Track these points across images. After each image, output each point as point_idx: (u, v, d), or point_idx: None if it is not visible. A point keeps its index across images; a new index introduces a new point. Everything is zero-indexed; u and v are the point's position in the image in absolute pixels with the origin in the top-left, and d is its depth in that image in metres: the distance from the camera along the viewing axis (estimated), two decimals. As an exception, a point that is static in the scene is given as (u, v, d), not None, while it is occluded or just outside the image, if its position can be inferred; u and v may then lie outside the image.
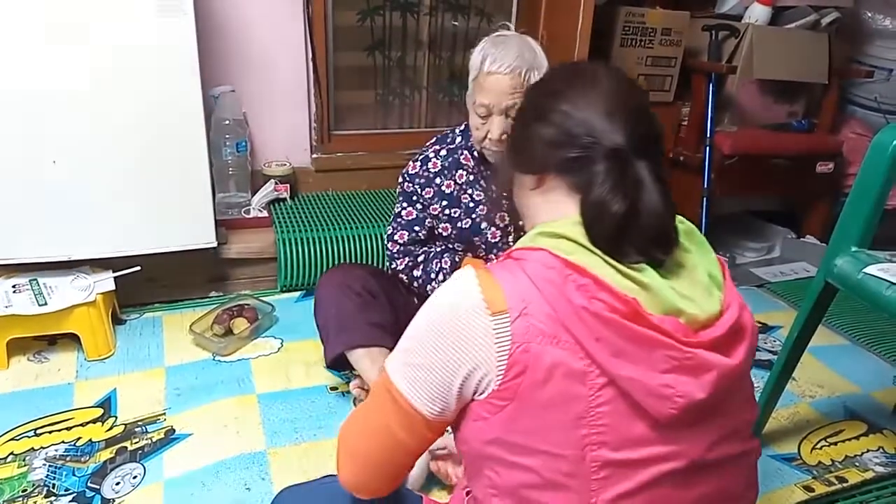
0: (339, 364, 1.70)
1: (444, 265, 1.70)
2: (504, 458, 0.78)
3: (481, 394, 0.77)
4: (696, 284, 0.78)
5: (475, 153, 1.65)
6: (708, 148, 2.41)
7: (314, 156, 2.63)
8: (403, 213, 1.75)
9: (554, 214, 0.83)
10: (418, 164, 1.72)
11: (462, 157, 1.68)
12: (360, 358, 1.60)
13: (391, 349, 1.59)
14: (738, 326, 0.78)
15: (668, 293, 0.74)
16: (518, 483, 0.78)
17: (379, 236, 2.29)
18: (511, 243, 1.68)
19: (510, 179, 0.93)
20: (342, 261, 2.24)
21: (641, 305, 0.72)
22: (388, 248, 1.78)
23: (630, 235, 0.75)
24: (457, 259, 1.71)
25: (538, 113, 0.85)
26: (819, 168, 2.57)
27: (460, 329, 0.76)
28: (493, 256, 1.70)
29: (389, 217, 1.83)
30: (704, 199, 2.43)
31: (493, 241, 1.68)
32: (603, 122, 0.79)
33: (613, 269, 0.74)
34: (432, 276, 1.70)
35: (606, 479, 0.75)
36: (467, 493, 0.93)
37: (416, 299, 1.78)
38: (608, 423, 0.74)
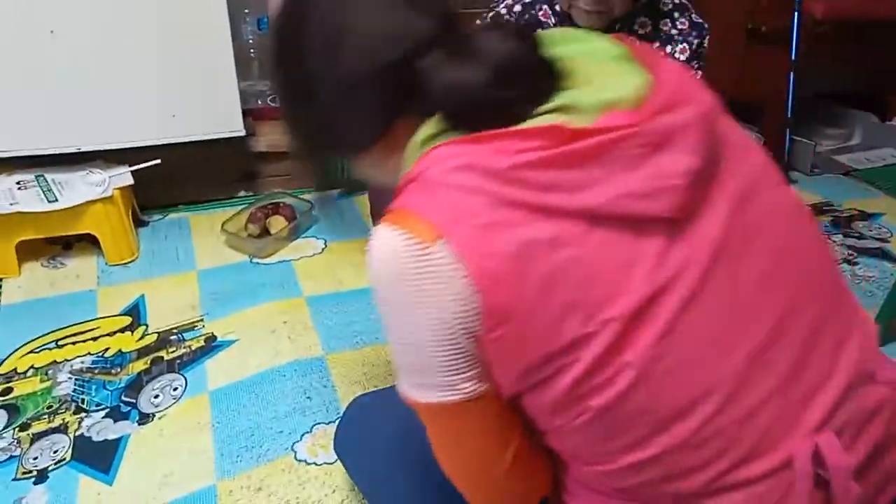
0: None
1: None
2: (541, 378, 0.62)
3: (478, 338, 0.61)
4: (603, 74, 0.65)
5: (557, 7, 1.37)
6: (797, 13, 2.11)
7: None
8: None
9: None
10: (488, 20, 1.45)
11: (541, 14, 1.41)
12: None
13: None
14: (683, 79, 0.64)
15: (588, 97, 0.61)
16: (566, 389, 0.61)
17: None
18: None
19: (353, 169, 0.75)
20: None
21: (566, 124, 0.59)
22: None
23: (506, 95, 0.62)
24: None
25: (321, 58, 0.66)
26: (918, 37, 2.26)
27: (411, 286, 0.60)
28: None
29: None
30: (791, 73, 2.14)
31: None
32: (397, 17, 0.65)
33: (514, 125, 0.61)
34: None
35: (645, 323, 0.59)
36: None
37: None
38: (616, 266, 0.59)
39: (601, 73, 0.64)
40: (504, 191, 0.58)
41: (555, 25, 1.39)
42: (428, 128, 0.64)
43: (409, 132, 0.65)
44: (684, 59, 1.38)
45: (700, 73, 1.43)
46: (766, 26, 2.23)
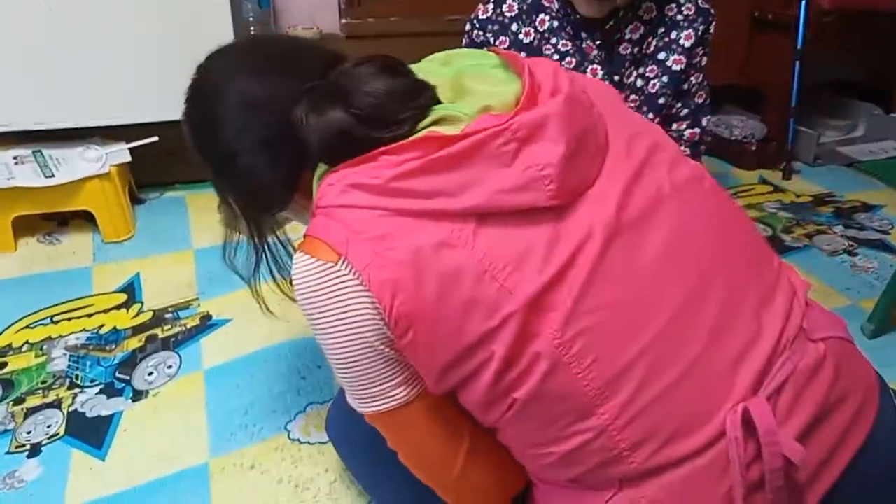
0: None
1: None
2: (464, 375, 0.64)
3: (394, 344, 0.64)
4: (490, 83, 0.68)
5: None
6: (804, 2, 2.08)
7: (344, 20, 2.31)
8: None
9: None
10: (490, 6, 1.42)
11: (544, 0, 1.39)
12: None
13: None
14: (556, 74, 0.67)
15: (465, 107, 0.65)
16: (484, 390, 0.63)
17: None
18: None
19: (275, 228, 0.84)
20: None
21: (439, 131, 0.63)
22: None
23: (381, 124, 0.65)
24: None
25: (222, 134, 0.72)
26: (924, 28, 2.23)
27: (328, 303, 0.63)
28: None
29: None
30: (797, 63, 2.12)
31: None
32: (267, 85, 0.71)
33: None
34: None
35: (546, 313, 0.60)
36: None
37: None
38: (509, 261, 0.60)
39: (485, 83, 0.68)
40: (389, 203, 0.61)
41: (559, 9, 1.37)
42: (321, 167, 0.69)
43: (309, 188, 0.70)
44: (690, 45, 1.37)
45: (706, 59, 1.41)
46: (773, 14, 2.21)
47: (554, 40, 1.39)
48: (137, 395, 1.25)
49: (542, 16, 1.38)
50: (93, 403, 1.23)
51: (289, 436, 1.15)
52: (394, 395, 0.66)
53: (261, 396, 1.23)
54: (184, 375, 1.29)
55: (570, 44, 1.38)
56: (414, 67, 0.72)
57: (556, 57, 1.39)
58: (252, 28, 2.04)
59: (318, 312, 0.63)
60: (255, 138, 0.71)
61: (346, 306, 0.62)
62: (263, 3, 2.02)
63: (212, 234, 1.72)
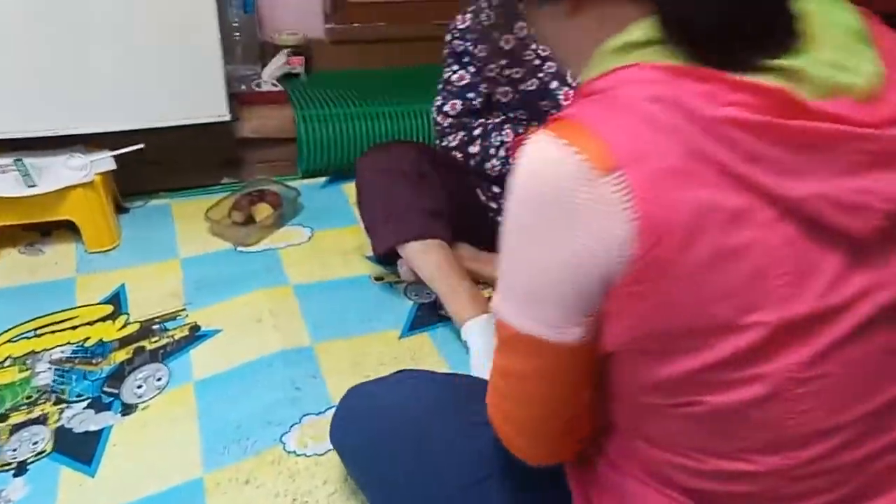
0: (387, 257, 1.48)
1: (504, 137, 1.44)
2: (663, 349, 0.55)
3: (613, 285, 0.54)
4: (840, 48, 0.55)
5: None
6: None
7: (328, 25, 2.29)
8: (454, 77, 1.46)
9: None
10: (468, 16, 1.43)
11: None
12: (415, 253, 1.35)
13: (449, 241, 1.39)
14: None
15: (820, 70, 0.52)
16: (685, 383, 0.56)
17: (414, 113, 1.99)
18: None
19: (530, 12, 0.66)
20: (372, 142, 1.96)
21: (792, 93, 0.50)
22: (436, 122, 1.51)
23: (741, 27, 0.52)
24: (520, 131, 1.44)
25: None
26: None
27: (564, 212, 0.52)
28: None
29: (424, 92, 1.56)
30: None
31: (566, 103, 1.41)
32: None
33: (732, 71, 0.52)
34: (491, 151, 1.44)
35: (797, 342, 0.53)
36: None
37: (471, 176, 1.52)
38: (791, 270, 0.52)
39: (835, 46, 0.55)
40: (703, 142, 0.50)
41: None
42: (631, 34, 0.55)
43: (609, 20, 0.57)
44: None
45: None
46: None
47: (534, 45, 1.40)
48: (127, 409, 1.22)
49: (521, 23, 1.39)
50: (81, 418, 1.20)
51: (284, 448, 1.13)
52: (566, 331, 0.57)
53: (254, 408, 1.20)
54: (174, 388, 1.26)
55: (548, 49, 1.39)
56: None
57: (538, 61, 1.40)
58: (237, 35, 2.02)
59: (548, 215, 0.53)
60: None
61: (591, 225, 0.52)
62: (248, 9, 2.00)
63: (198, 242, 1.69)
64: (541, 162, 0.53)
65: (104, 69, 1.60)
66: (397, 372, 0.97)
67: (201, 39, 1.66)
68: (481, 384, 0.73)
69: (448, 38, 1.46)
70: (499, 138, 1.44)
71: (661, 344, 0.55)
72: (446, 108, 1.48)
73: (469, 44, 1.43)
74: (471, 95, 1.46)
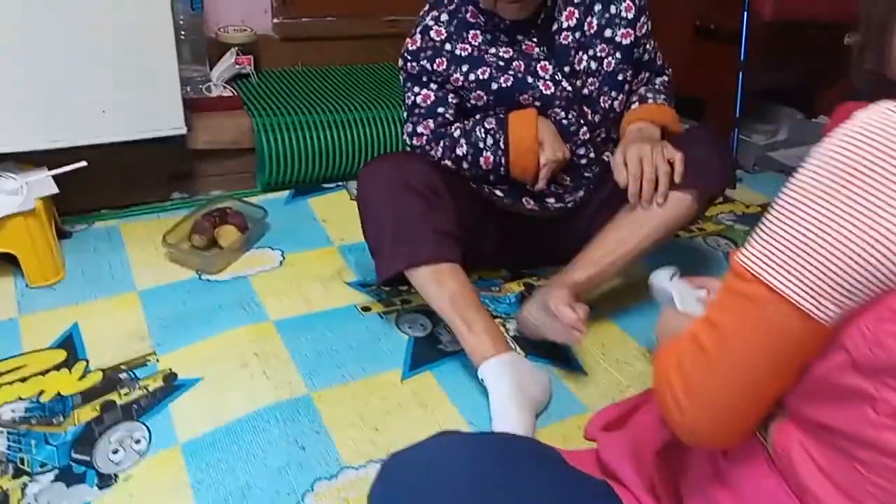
0: (390, 282, 1.38)
1: (488, 125, 1.37)
2: None
3: None
4: None
5: (480, 7, 1.35)
6: (746, 13, 2.12)
7: (276, 20, 2.14)
8: (419, 99, 1.40)
9: None
10: (417, 37, 1.39)
11: (468, 15, 1.38)
12: (426, 280, 1.26)
13: (463, 265, 1.31)
14: None
15: None
16: None
17: (382, 120, 1.88)
18: (578, 86, 1.38)
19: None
20: (341, 153, 1.84)
21: None
22: (413, 147, 1.41)
23: None
24: (501, 117, 1.37)
25: None
26: (847, 40, 2.34)
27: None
28: (560, 111, 1.38)
29: (387, 94, 1.46)
30: (741, 73, 2.16)
31: (548, 92, 1.36)
32: None
33: None
34: (480, 144, 1.37)
35: None
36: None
37: (484, 188, 1.42)
38: None
39: None
40: None
41: (486, 22, 1.36)
42: None
43: None
44: (632, 16, 1.37)
45: (648, 23, 1.41)
46: (715, 24, 2.25)
47: (493, 50, 1.37)
48: (105, 481, 1.07)
49: (472, 32, 1.37)
50: (49, 496, 1.04)
51: (300, 522, 1.02)
52: (821, 305, 0.54)
53: (257, 475, 1.08)
54: (157, 452, 1.12)
55: (510, 49, 1.36)
56: None
57: (502, 64, 1.35)
58: (182, 33, 1.83)
59: (873, 184, 0.51)
60: None
61: None
62: (195, 6, 1.81)
63: (156, 271, 1.53)
64: (882, 129, 0.51)
65: (41, 78, 1.40)
66: (438, 434, 0.88)
67: (154, 43, 1.49)
68: (519, 444, 0.79)
69: (401, 63, 1.42)
70: (483, 130, 1.37)
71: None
72: (419, 129, 1.40)
73: (425, 62, 1.37)
74: (441, 110, 1.39)
